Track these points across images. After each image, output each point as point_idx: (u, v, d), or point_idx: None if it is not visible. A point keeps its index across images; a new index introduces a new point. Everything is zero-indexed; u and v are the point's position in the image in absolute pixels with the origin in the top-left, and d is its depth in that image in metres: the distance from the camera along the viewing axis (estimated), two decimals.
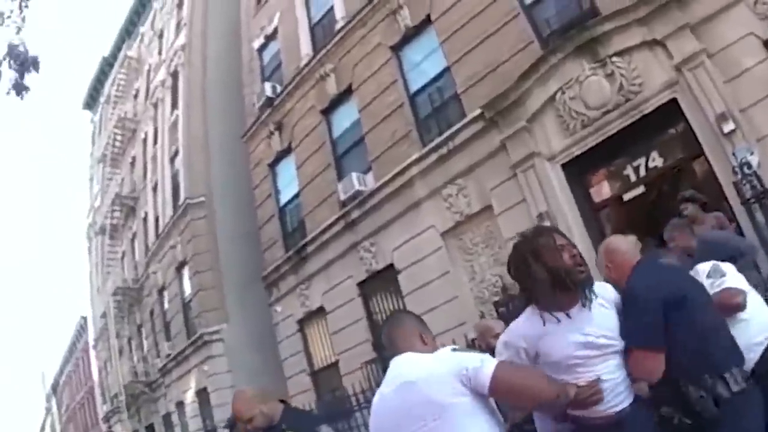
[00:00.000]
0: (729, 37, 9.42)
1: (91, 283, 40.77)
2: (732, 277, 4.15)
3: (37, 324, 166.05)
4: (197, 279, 21.23)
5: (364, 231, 14.52)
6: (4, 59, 9.86)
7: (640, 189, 10.92)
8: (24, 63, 9.92)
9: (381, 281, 14.27)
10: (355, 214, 14.65)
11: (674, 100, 9.89)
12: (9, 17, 9.64)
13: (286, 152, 17.75)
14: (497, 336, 4.15)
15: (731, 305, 3.92)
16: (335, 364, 15.33)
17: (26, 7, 9.53)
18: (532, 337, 3.18)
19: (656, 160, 10.66)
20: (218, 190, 21.29)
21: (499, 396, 2.90)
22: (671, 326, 3.28)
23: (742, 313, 3.98)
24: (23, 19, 9.77)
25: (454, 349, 2.98)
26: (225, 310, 20.22)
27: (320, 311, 15.85)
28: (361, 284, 14.73)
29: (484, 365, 2.80)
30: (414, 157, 13.46)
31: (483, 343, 5.71)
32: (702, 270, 4.19)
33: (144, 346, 28.82)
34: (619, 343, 3.18)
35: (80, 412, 55.84)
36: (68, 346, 57.74)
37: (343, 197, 14.81)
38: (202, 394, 21.33)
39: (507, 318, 7.18)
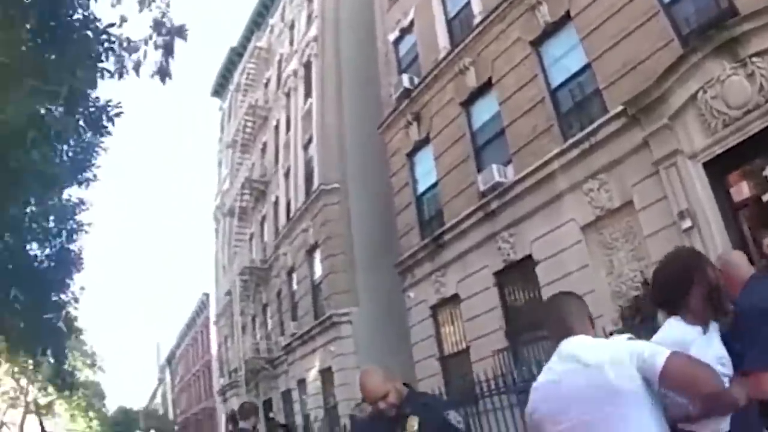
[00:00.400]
0: None
1: (216, 262, 42.51)
2: None
3: (156, 299, 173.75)
4: (329, 262, 22.01)
5: (503, 222, 14.81)
6: (150, 38, 10.63)
7: None
8: (169, 35, 10.64)
9: (518, 272, 14.54)
10: (494, 205, 14.95)
11: None
12: (154, 1, 10.38)
13: (424, 142, 18.22)
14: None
15: None
16: (466, 351, 15.70)
17: None
18: (686, 343, 3.11)
19: None
20: (352, 178, 22.01)
21: (668, 384, 2.80)
22: None
23: None
24: (167, 5, 10.49)
25: (630, 338, 2.98)
26: (355, 294, 20.92)
27: (454, 298, 16.24)
28: (497, 274, 15.02)
29: (659, 353, 2.79)
30: (555, 151, 13.63)
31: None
32: None
33: (268, 325, 30.01)
34: (728, 372, 3.07)
35: (194, 384, 58.14)
36: (187, 321, 60.16)
37: (482, 188, 15.14)
38: (325, 373, 22.13)
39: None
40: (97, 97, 11.60)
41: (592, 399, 2.83)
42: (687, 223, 11.11)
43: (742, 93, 10.49)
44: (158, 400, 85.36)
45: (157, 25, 10.44)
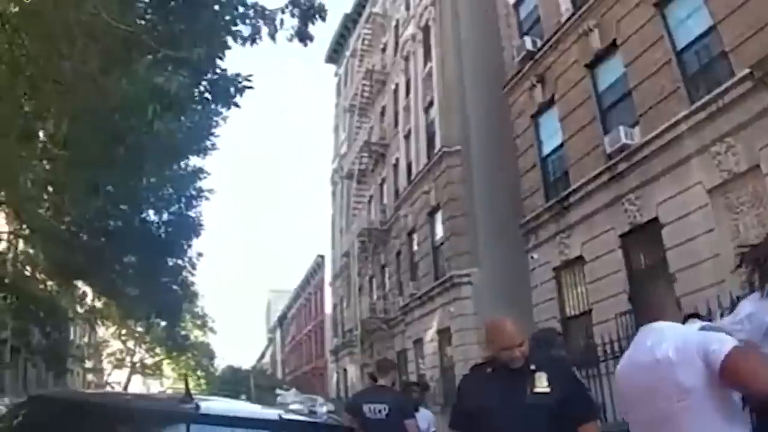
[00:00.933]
0: None
1: (333, 224, 43.62)
2: None
3: (269, 261, 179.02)
4: (450, 224, 22.42)
5: (629, 184, 14.75)
6: (287, 8, 11.05)
7: None
8: (309, 10, 11.05)
9: (643, 234, 14.48)
10: (621, 167, 14.89)
11: None
12: None
13: (548, 104, 18.23)
14: None
15: None
16: (587, 313, 15.80)
17: None
18: None
19: None
20: (474, 140, 22.24)
21: (728, 377, 2.68)
22: None
23: None
24: None
25: (702, 328, 2.96)
26: (476, 255, 21.26)
27: (578, 260, 16.32)
28: (623, 236, 14.99)
29: (724, 345, 2.71)
30: (683, 113, 13.42)
31: None
32: None
33: (386, 285, 30.72)
34: None
35: (306, 344, 59.89)
36: (300, 283, 61.79)
37: (609, 150, 15.09)
38: (443, 333, 22.64)
39: None
40: (224, 69, 11.77)
41: (663, 395, 2.83)
42: None
43: None
44: (267, 359, 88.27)
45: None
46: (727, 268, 12.16)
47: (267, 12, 11.15)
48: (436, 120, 24.28)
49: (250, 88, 11.81)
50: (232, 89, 11.75)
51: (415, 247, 26.00)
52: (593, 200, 15.82)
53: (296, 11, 10.99)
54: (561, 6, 18.03)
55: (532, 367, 3.85)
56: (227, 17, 11.11)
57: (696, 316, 3.81)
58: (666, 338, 2.90)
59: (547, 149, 18.44)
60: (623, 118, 15.32)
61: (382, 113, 32.76)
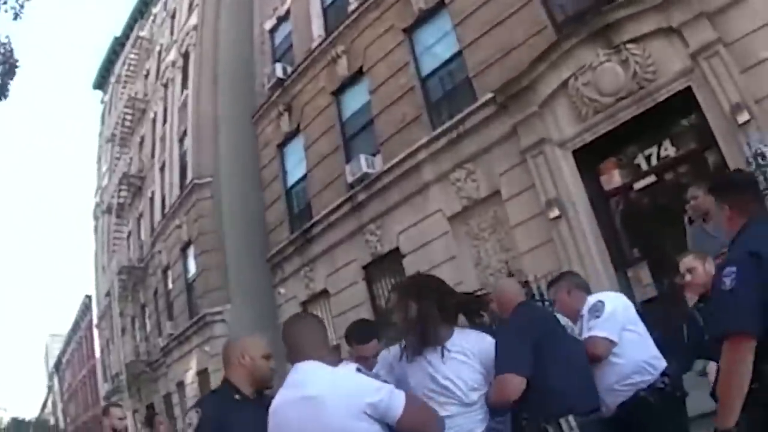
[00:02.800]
0: (746, 27, 9.27)
1: (96, 262, 40.86)
2: (605, 321, 4.23)
3: (42, 303, 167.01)
4: (201, 259, 21.16)
5: (370, 214, 14.41)
6: None
7: (651, 178, 10.83)
8: (6, 63, 9.79)
9: (386, 265, 14.15)
10: (362, 197, 14.53)
11: (689, 89, 9.78)
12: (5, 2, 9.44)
13: (294, 133, 17.64)
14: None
15: (591, 356, 4.09)
16: (337, 348, 15.17)
17: None
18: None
19: (668, 150, 10.60)
20: (226, 171, 21.16)
21: (405, 427, 2.83)
22: (542, 362, 3.58)
23: (612, 355, 4.19)
24: (21, 6, 9.54)
25: (359, 369, 2.96)
26: (228, 291, 20.11)
27: (324, 294, 15.77)
28: (365, 267, 14.62)
29: (393, 397, 2.82)
30: (423, 140, 13.35)
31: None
32: (586, 303, 4.46)
33: (147, 326, 28.85)
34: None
35: (82, 391, 56.18)
36: (72, 325, 58.03)
37: (350, 179, 14.70)
38: (202, 374, 21.21)
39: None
40: None
41: None
42: (555, 213, 10.99)
43: (614, 80, 10.43)
44: (49, 408, 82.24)
45: None
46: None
47: None
48: (189, 150, 22.97)
49: None
50: None
51: (170, 285, 24.42)
52: (335, 231, 15.31)
53: None
54: (314, 32, 17.55)
55: None
56: None
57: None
58: (323, 377, 2.87)
59: (291, 180, 17.84)
60: (366, 146, 15.05)
61: (141, 143, 30.83)
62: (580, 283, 4.75)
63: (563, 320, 4.08)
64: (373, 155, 14.57)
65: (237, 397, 3.68)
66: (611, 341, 4.16)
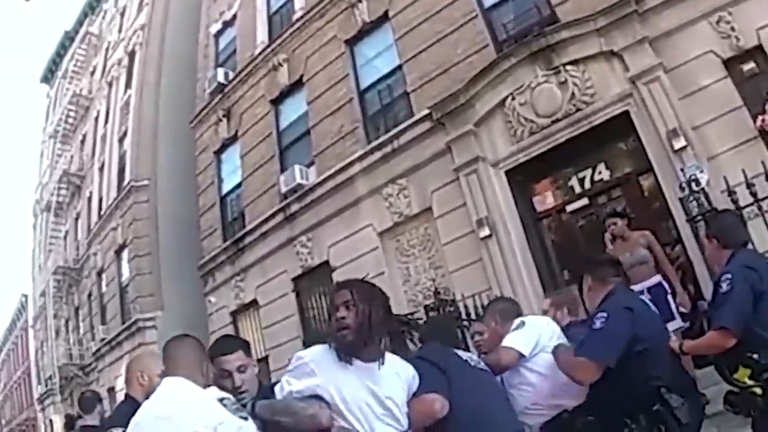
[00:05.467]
0: (688, 53, 9.48)
1: (33, 260, 39.86)
2: (518, 335, 4.13)
3: None
4: (135, 263, 20.75)
5: (302, 225, 14.23)
6: None
7: (584, 201, 10.90)
8: None
9: (316, 278, 13.94)
10: (294, 208, 14.35)
11: (626, 113, 9.90)
12: None
13: (232, 140, 17.36)
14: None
15: (494, 365, 4.02)
16: (265, 359, 14.97)
17: None
18: None
19: (603, 173, 10.70)
20: (164, 175, 20.81)
21: None
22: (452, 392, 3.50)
23: (531, 376, 4.08)
24: None
25: (221, 399, 2.92)
26: (161, 297, 19.73)
27: (253, 304, 15.48)
28: (295, 279, 14.40)
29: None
30: (358, 154, 13.30)
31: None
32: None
33: (80, 329, 28.16)
34: None
35: (16, 392, 54.64)
36: (8, 325, 56.48)
37: (284, 189, 14.51)
38: None
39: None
40: None
41: None
42: (485, 232, 10.97)
43: (552, 101, 10.50)
44: None
45: None
46: (399, 312, 11.85)
47: None
48: (128, 152, 22.52)
49: None
50: None
51: (104, 288, 23.88)
52: (267, 242, 15.10)
53: None
54: (258, 38, 17.35)
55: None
56: None
57: None
58: (180, 397, 2.86)
59: (227, 188, 17.53)
60: (301, 157, 14.90)
61: (83, 142, 30.15)
62: (505, 308, 4.64)
63: (465, 355, 3.99)
64: (308, 166, 14.42)
65: None
66: (519, 353, 4.02)
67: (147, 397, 3.56)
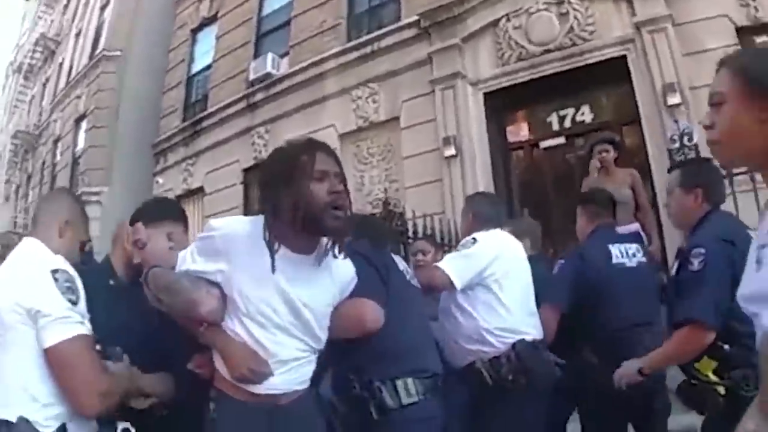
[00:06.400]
0: (701, 12, 8.99)
1: None
2: (460, 258, 3.61)
3: None
4: (91, 134, 19.87)
5: (263, 116, 13.56)
6: None
7: (560, 140, 10.47)
8: None
9: None
10: (258, 97, 13.66)
11: (623, 58, 9.47)
12: None
13: (212, 20, 16.47)
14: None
15: (423, 284, 3.39)
16: None
17: None
18: None
19: (585, 115, 10.28)
20: (138, 48, 19.79)
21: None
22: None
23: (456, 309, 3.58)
24: None
25: (55, 271, 2.26)
26: (110, 173, 18.94)
27: (200, 191, 14.92)
28: (246, 171, 13.79)
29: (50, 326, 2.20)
30: (335, 50, 12.60)
31: None
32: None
33: (29, 197, 27.45)
34: None
35: None
36: None
37: (252, 77, 13.76)
38: None
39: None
40: None
41: None
42: (450, 151, 10.50)
43: (548, 30, 10.01)
44: None
45: None
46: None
47: None
48: (106, 21, 21.50)
49: None
50: None
51: (58, 157, 23.05)
52: (225, 128, 14.45)
53: None
54: None
55: None
56: None
57: None
58: (14, 262, 2.40)
59: (197, 68, 16.70)
60: (277, 47, 14.12)
61: (66, 6, 28.98)
62: (483, 213, 3.98)
63: (401, 265, 3.27)
64: (282, 57, 13.66)
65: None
66: (452, 282, 3.46)
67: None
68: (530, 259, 3.95)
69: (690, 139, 7.72)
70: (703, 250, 2.99)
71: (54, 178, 22.99)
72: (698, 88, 8.51)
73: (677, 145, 7.79)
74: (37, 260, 2.32)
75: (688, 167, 3.60)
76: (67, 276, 2.28)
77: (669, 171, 7.40)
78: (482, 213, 3.96)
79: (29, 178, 27.66)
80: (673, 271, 3.31)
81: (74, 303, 2.24)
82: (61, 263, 2.31)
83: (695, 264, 2.98)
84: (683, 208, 3.34)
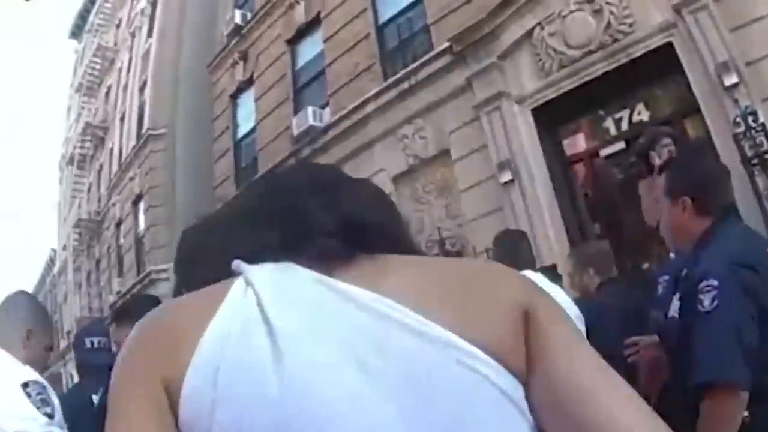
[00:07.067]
0: None
1: (59, 214, 39.97)
2: None
3: (7, 257, 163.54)
4: (151, 213, 20.29)
5: None
6: None
7: (620, 145, 9.67)
8: None
9: None
10: (305, 152, 13.52)
11: (669, 45, 8.73)
12: None
13: (248, 83, 16.61)
14: None
15: None
16: None
17: None
18: None
19: (642, 114, 9.56)
20: (182, 123, 20.21)
21: None
22: None
23: None
24: None
25: (26, 384, 2.20)
26: (174, 248, 19.22)
27: None
28: None
29: None
30: (373, 91, 12.36)
31: None
32: None
33: (101, 282, 27.99)
34: None
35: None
36: (38, 280, 56.95)
37: (296, 132, 13.73)
38: None
39: None
40: None
41: None
42: (507, 176, 9.96)
43: (585, 30, 9.45)
44: None
45: None
46: None
47: None
48: (147, 101, 21.97)
49: None
50: None
51: (122, 240, 23.51)
52: None
53: None
54: None
55: None
56: None
57: None
58: None
59: (241, 132, 16.81)
60: (316, 98, 14.11)
61: (108, 94, 29.83)
62: (496, 257, 3.75)
63: None
64: (323, 108, 13.63)
65: None
66: None
67: None
68: (600, 286, 3.73)
69: (756, 119, 7.30)
70: (715, 283, 2.14)
71: (120, 260, 23.43)
72: (754, 63, 7.99)
73: (742, 128, 7.32)
74: (5, 374, 2.23)
75: (676, 166, 2.59)
76: (39, 388, 2.21)
77: (742, 163, 7.09)
78: (496, 257, 3.78)
79: (98, 262, 28.22)
80: (672, 311, 2.37)
81: (51, 416, 2.16)
82: (31, 374, 2.25)
83: (706, 302, 2.14)
84: (674, 223, 2.53)
